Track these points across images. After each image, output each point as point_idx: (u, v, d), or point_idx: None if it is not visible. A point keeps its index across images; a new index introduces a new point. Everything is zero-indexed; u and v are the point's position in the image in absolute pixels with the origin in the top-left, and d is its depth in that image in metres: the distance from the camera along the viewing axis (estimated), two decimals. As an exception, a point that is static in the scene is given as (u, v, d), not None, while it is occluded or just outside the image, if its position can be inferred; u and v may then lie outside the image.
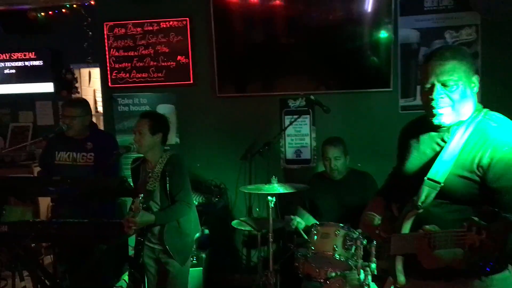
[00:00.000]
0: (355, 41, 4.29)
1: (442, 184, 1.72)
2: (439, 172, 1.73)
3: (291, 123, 4.23)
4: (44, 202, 4.91)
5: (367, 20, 4.24)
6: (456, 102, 1.74)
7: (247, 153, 4.45)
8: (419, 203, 1.75)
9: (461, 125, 1.77)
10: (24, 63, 5.94)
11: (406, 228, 1.78)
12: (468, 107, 1.77)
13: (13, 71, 5.95)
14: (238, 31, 4.46)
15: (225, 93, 4.52)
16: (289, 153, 4.49)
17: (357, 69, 4.32)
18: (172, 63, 4.58)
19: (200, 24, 4.52)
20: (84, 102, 3.72)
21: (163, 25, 4.56)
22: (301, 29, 4.36)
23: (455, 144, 1.74)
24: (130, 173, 3.35)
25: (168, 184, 3.10)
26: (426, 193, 1.74)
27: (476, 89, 1.78)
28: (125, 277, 4.35)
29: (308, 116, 4.42)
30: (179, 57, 4.56)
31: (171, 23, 4.55)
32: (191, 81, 4.56)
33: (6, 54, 5.92)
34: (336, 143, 3.64)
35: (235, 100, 4.54)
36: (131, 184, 3.31)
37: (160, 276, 3.31)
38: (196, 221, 3.32)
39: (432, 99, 1.76)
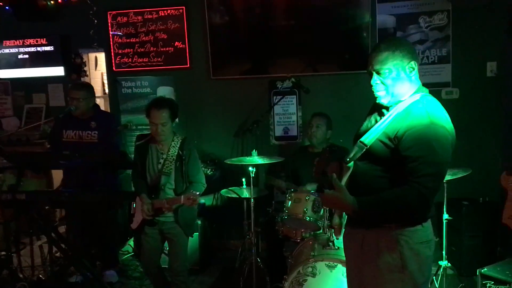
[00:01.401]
0: (338, 26, 4.65)
1: (368, 147, 2.10)
2: (368, 138, 2.11)
3: (275, 103, 4.65)
4: (57, 175, 5.38)
5: (348, 6, 4.59)
6: (389, 86, 2.10)
7: (239, 130, 4.86)
8: (347, 159, 2.15)
9: (398, 103, 2.13)
10: (36, 49, 6.29)
11: (344, 180, 2.18)
12: (405, 88, 2.11)
13: (26, 56, 6.32)
14: (230, 18, 4.86)
15: (219, 76, 4.94)
16: (278, 130, 4.92)
17: (340, 52, 4.69)
18: (170, 48, 5.00)
19: (195, 12, 4.92)
20: (88, 86, 4.17)
21: (161, 13, 4.97)
22: (288, 15, 4.74)
23: (387, 118, 2.11)
24: (133, 149, 3.59)
25: (184, 167, 3.33)
26: (354, 152, 2.14)
27: (414, 73, 2.10)
28: (131, 242, 4.86)
29: (294, 96, 4.82)
30: (176, 43, 4.98)
31: (168, 11, 4.96)
32: (188, 65, 4.99)
33: (20, 40, 6.28)
34: (323, 115, 4.09)
35: (228, 82, 4.96)
36: (131, 158, 3.68)
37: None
38: None
39: (371, 85, 2.16)
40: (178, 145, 3.35)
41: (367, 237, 2.16)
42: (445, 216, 3.63)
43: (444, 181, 3.53)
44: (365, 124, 2.29)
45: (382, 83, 2.12)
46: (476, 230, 4.10)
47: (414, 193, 1.95)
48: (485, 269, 3.31)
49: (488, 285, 3.22)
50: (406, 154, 1.99)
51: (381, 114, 2.19)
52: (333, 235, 3.16)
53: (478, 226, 4.10)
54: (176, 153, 3.33)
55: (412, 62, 2.11)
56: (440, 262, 3.68)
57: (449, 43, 4.45)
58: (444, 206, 3.63)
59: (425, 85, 4.32)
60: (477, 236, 4.09)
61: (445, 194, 3.60)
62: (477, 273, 3.32)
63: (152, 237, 3.43)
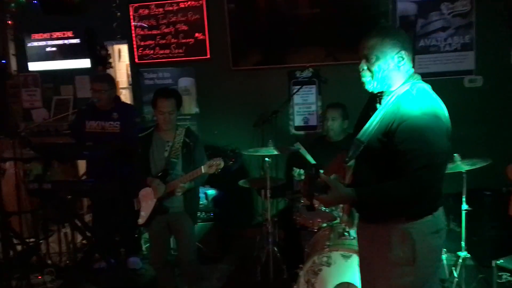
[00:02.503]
0: (358, 14, 4.61)
1: (365, 143, 2.08)
2: (364, 134, 2.09)
3: (294, 94, 4.66)
4: (83, 165, 5.55)
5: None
6: (375, 73, 2.08)
7: (259, 120, 4.89)
8: (347, 158, 2.15)
9: (389, 94, 2.11)
10: (63, 41, 6.44)
11: (348, 177, 2.19)
12: (393, 78, 2.09)
13: (54, 49, 6.47)
14: (249, 9, 4.88)
15: (239, 67, 4.98)
16: (297, 120, 4.93)
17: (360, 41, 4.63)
18: (190, 40, 5.06)
19: (215, 4, 4.96)
20: (110, 78, 4.27)
21: (182, 5, 5.03)
22: (307, 4, 4.72)
23: (380, 110, 2.09)
24: None
25: (192, 153, 3.40)
26: (353, 150, 2.13)
27: (403, 63, 2.06)
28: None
29: (314, 86, 4.81)
30: (196, 34, 5.04)
31: (189, 3, 5.01)
32: (208, 56, 5.04)
33: (47, 33, 6.46)
34: (337, 106, 4.05)
35: (248, 73, 4.99)
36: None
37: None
38: None
39: (360, 71, 2.15)
40: (183, 133, 3.44)
41: (378, 231, 2.15)
42: (464, 206, 3.58)
43: (463, 171, 3.49)
44: (361, 118, 2.26)
45: (369, 69, 2.10)
46: (498, 220, 4.02)
47: (409, 186, 1.96)
48: (501, 260, 3.26)
49: (504, 276, 3.18)
50: (400, 148, 1.97)
51: (374, 108, 2.16)
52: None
53: (500, 216, 4.01)
54: (182, 140, 3.41)
55: (402, 52, 2.07)
56: (459, 253, 3.64)
57: (472, 30, 4.35)
58: (463, 197, 3.58)
59: (447, 73, 4.31)
60: (499, 227, 4.02)
61: (465, 185, 3.55)
62: (493, 264, 3.28)
63: (159, 231, 3.48)
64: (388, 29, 2.24)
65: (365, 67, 2.11)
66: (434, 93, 2.10)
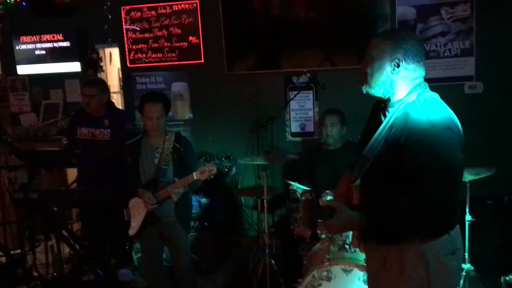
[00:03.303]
0: (356, 18, 4.50)
1: (371, 161, 1.93)
2: (370, 150, 1.95)
3: (291, 99, 4.53)
4: (73, 172, 5.38)
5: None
6: (368, 74, 1.96)
7: (255, 126, 4.77)
8: (353, 178, 2.01)
9: (394, 105, 1.97)
10: (53, 44, 6.29)
11: (356, 198, 2.06)
12: (394, 85, 1.95)
13: (43, 52, 6.33)
14: (244, 12, 4.74)
15: (234, 71, 4.84)
16: (294, 126, 4.80)
17: (358, 45, 4.53)
18: (184, 43, 4.92)
19: (209, 6, 4.82)
20: (101, 82, 4.11)
21: (175, 7, 4.89)
22: (304, 7, 4.60)
23: (386, 123, 1.94)
24: None
25: (183, 159, 3.28)
26: (358, 168, 1.99)
27: (398, 70, 1.92)
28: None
29: (311, 91, 4.69)
30: (190, 38, 4.90)
31: (182, 5, 4.87)
32: (202, 60, 4.90)
33: (36, 36, 6.29)
34: (335, 112, 3.93)
35: (243, 77, 4.86)
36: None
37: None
38: None
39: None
40: (173, 139, 3.30)
41: (390, 253, 1.98)
42: (468, 217, 3.47)
43: (467, 181, 3.38)
44: (365, 132, 2.14)
45: (365, 68, 1.98)
46: (501, 230, 3.92)
47: (422, 204, 1.82)
48: (510, 276, 3.15)
49: (513, 293, 3.07)
50: (411, 164, 1.84)
51: (379, 120, 2.01)
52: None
53: (503, 226, 3.93)
54: (172, 146, 3.27)
55: (401, 59, 1.92)
56: (463, 265, 3.52)
57: (472, 35, 4.26)
58: (467, 207, 3.47)
59: (447, 79, 4.15)
60: (502, 237, 3.92)
61: (468, 194, 3.45)
62: (501, 280, 3.17)
63: (151, 241, 3.37)
64: (395, 32, 2.13)
65: (362, 65, 2.01)
66: (443, 102, 1.97)
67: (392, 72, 1.95)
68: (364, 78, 1.99)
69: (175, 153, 3.27)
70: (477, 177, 3.32)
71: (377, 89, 1.98)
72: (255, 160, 3.66)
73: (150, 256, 3.41)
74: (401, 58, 1.93)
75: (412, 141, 1.83)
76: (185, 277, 3.39)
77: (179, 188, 3.17)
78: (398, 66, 1.93)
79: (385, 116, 2.00)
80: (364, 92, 2.03)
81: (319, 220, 1.91)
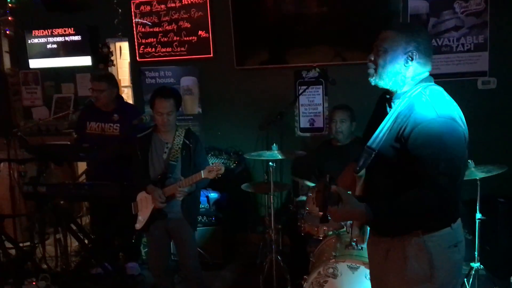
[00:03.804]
0: (368, 12, 4.43)
1: (376, 151, 1.92)
2: (375, 141, 1.93)
3: (300, 94, 4.49)
4: (83, 166, 5.41)
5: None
6: (379, 66, 1.94)
7: (264, 122, 4.73)
8: (357, 168, 1.99)
9: (400, 97, 1.95)
10: (64, 38, 6.32)
11: (359, 188, 2.03)
12: (403, 78, 1.93)
13: (55, 46, 6.36)
14: (254, 6, 4.70)
15: (243, 66, 4.81)
16: (303, 122, 4.76)
17: (369, 40, 4.45)
18: (193, 37, 4.90)
19: (218, 0, 4.78)
20: (110, 77, 4.10)
21: (184, 1, 4.87)
22: (316, 2, 4.54)
23: (391, 114, 1.93)
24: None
25: (192, 155, 3.26)
26: (363, 159, 1.96)
27: (412, 63, 1.92)
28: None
29: (320, 86, 4.64)
30: (200, 32, 4.87)
31: (192, -1, 4.85)
32: (211, 55, 4.88)
33: (48, 30, 6.33)
34: (344, 107, 3.89)
35: (252, 72, 4.83)
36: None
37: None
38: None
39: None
40: (183, 134, 3.29)
41: (393, 246, 1.99)
42: (478, 215, 3.40)
43: (478, 178, 3.32)
44: (370, 123, 2.12)
45: (375, 61, 1.96)
46: (512, 229, 3.85)
47: (432, 195, 1.80)
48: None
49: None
50: (416, 154, 1.82)
51: (385, 112, 2.00)
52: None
53: (515, 225, 3.85)
54: (181, 142, 3.25)
55: (414, 52, 1.92)
56: (472, 264, 3.46)
57: (486, 30, 4.17)
58: (477, 205, 3.41)
59: (460, 74, 4.10)
60: (514, 236, 3.85)
61: (479, 192, 3.38)
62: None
63: (158, 237, 3.35)
64: (408, 25, 2.11)
65: (372, 58, 1.98)
66: (449, 95, 1.96)
67: (405, 65, 1.94)
68: (374, 70, 1.97)
69: (184, 149, 3.25)
70: (488, 175, 3.25)
71: (387, 81, 1.97)
72: (263, 155, 3.61)
73: (157, 251, 3.41)
74: (415, 52, 1.92)
75: (417, 131, 1.82)
76: (192, 274, 3.39)
77: (186, 186, 3.15)
78: (412, 59, 1.93)
79: (390, 107, 2.00)
80: (373, 83, 2.01)
81: (327, 210, 1.88)
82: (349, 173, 2.17)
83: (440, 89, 1.96)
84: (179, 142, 3.26)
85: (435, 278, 1.90)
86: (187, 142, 3.27)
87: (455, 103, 1.93)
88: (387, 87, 1.99)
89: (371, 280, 2.25)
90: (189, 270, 3.38)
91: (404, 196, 1.83)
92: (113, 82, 4.08)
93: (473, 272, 3.44)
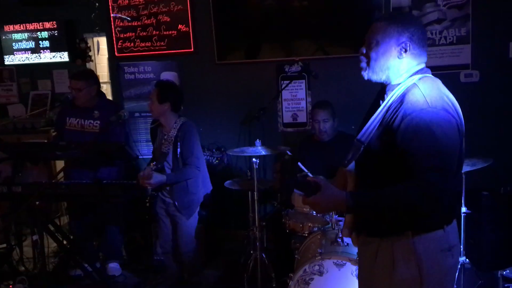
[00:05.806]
0: (350, 5, 4.38)
1: (365, 144, 1.84)
2: (365, 134, 1.85)
3: (282, 89, 4.42)
4: (61, 164, 5.26)
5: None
6: (372, 58, 1.87)
7: (246, 117, 4.66)
8: (346, 161, 1.91)
9: (392, 89, 1.87)
10: (40, 34, 6.16)
11: (350, 184, 1.97)
12: (396, 70, 1.86)
13: (30, 41, 6.19)
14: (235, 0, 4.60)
15: (224, 60, 4.72)
16: (286, 117, 4.69)
17: (351, 34, 4.42)
18: (173, 32, 4.78)
19: (199, -7, 4.69)
20: (89, 74, 4.00)
21: (163, -6, 4.75)
22: (296, -5, 4.47)
23: (383, 107, 1.84)
24: (148, 135, 3.91)
25: (179, 149, 3.45)
26: (352, 152, 1.89)
27: (406, 55, 1.84)
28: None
29: (303, 81, 4.58)
30: (180, 26, 4.76)
31: (171, -8, 4.73)
32: (192, 49, 4.77)
33: (23, 25, 6.15)
34: (325, 106, 3.82)
35: (234, 67, 4.74)
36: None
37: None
38: (205, 181, 3.70)
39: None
40: (177, 128, 3.50)
41: (382, 246, 1.87)
42: (463, 209, 3.39)
43: (463, 172, 3.30)
44: (365, 118, 2.02)
45: (367, 54, 1.89)
46: (496, 222, 3.84)
47: (418, 190, 1.66)
48: (507, 270, 3.07)
49: (510, 288, 3.00)
50: (405, 147, 1.72)
51: (378, 105, 1.90)
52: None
53: (499, 218, 3.85)
54: (174, 135, 3.49)
55: (408, 43, 1.84)
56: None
57: (468, 23, 4.15)
58: (463, 199, 3.39)
59: (442, 67, 4.04)
60: (498, 229, 3.84)
61: (463, 186, 3.37)
62: (498, 275, 3.09)
63: (162, 219, 3.70)
64: (400, 15, 2.01)
65: (364, 51, 1.90)
66: (445, 87, 1.88)
67: (398, 57, 1.86)
68: (367, 64, 1.89)
69: (174, 143, 3.48)
70: (473, 168, 3.23)
71: (380, 75, 1.89)
72: (246, 151, 3.55)
73: (162, 233, 3.74)
74: (408, 43, 1.84)
75: (406, 122, 1.73)
76: (185, 259, 3.65)
77: (146, 177, 3.30)
78: (406, 51, 1.84)
79: (383, 100, 1.90)
80: (366, 78, 1.93)
81: (299, 193, 1.80)
82: (342, 174, 2.11)
83: (435, 80, 1.87)
84: (173, 135, 3.51)
85: (424, 284, 1.79)
86: (178, 134, 3.48)
87: (450, 94, 1.85)
88: (380, 80, 1.91)
89: (359, 281, 2.16)
90: (182, 254, 3.64)
91: (389, 188, 1.72)
92: (93, 79, 3.98)
93: (458, 266, 3.43)
